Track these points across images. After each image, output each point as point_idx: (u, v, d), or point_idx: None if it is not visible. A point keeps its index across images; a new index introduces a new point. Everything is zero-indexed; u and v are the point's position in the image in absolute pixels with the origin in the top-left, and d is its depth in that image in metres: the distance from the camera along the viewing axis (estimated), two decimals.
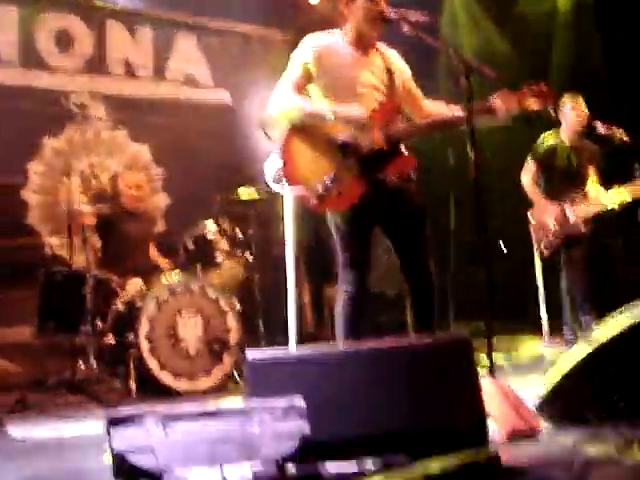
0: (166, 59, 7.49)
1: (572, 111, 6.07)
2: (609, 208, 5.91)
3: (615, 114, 6.27)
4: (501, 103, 3.55)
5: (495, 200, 6.95)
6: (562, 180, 6.12)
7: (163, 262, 6.08)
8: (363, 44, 3.82)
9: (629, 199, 5.86)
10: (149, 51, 7.40)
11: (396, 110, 3.79)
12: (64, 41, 6.89)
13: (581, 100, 6.10)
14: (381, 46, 3.91)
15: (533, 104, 3.54)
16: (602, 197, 5.97)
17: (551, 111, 3.57)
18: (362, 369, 2.48)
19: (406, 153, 3.74)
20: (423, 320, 3.74)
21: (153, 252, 6.21)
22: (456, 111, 3.70)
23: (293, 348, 4.18)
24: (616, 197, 5.91)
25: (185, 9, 7.48)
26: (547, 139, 6.22)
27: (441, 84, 3.61)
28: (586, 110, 6.09)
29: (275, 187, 4.05)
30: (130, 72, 7.26)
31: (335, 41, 3.83)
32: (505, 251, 7.30)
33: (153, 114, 7.27)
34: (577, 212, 6.00)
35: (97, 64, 7.06)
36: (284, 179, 3.72)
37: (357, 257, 3.75)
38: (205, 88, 7.70)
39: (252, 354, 2.50)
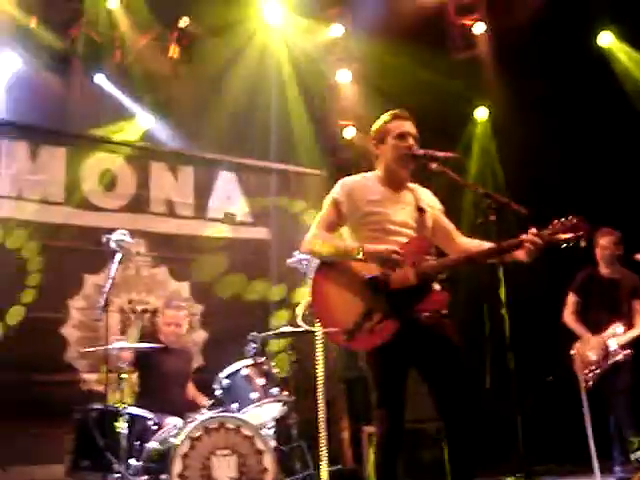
0: (207, 198, 7.70)
1: (602, 245, 6.16)
2: None
3: None
4: (532, 239, 3.52)
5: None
6: (601, 311, 6.11)
7: (201, 399, 6.03)
8: (394, 183, 3.89)
9: None
10: (190, 190, 7.62)
11: (426, 246, 3.79)
12: (108, 181, 7.14)
13: (612, 234, 6.16)
14: (413, 185, 3.97)
15: (565, 239, 3.51)
16: None
17: (583, 244, 3.51)
18: None
19: (438, 288, 3.73)
20: (460, 470, 3.60)
21: (191, 390, 6.19)
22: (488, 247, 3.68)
23: None
24: None
25: (225, 149, 7.73)
26: (585, 273, 6.26)
27: (469, 220, 3.61)
28: (618, 243, 6.14)
29: (306, 325, 4.04)
30: (171, 210, 7.46)
31: (367, 181, 3.91)
32: (551, 379, 7.16)
33: (193, 251, 7.42)
34: (618, 341, 5.95)
35: (139, 203, 7.29)
36: (314, 316, 3.71)
37: (388, 396, 3.67)
38: (244, 225, 7.86)
39: None
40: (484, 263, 3.69)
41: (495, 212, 3.34)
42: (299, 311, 4.10)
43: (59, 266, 6.54)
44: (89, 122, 7.27)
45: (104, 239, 5.48)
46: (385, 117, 3.91)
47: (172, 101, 7.75)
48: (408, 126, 3.84)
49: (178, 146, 7.68)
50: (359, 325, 3.56)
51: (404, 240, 3.75)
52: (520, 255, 3.59)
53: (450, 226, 4.00)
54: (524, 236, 3.56)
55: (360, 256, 3.62)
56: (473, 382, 3.73)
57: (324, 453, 4.03)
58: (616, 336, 6.00)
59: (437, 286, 3.75)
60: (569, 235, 3.50)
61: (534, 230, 3.56)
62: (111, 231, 5.57)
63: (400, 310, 3.61)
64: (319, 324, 3.74)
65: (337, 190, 3.87)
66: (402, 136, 3.81)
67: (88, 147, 7.15)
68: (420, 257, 3.70)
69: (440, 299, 3.71)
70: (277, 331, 5.91)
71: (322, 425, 4.09)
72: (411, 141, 3.80)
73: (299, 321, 4.09)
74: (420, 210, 3.87)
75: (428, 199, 3.99)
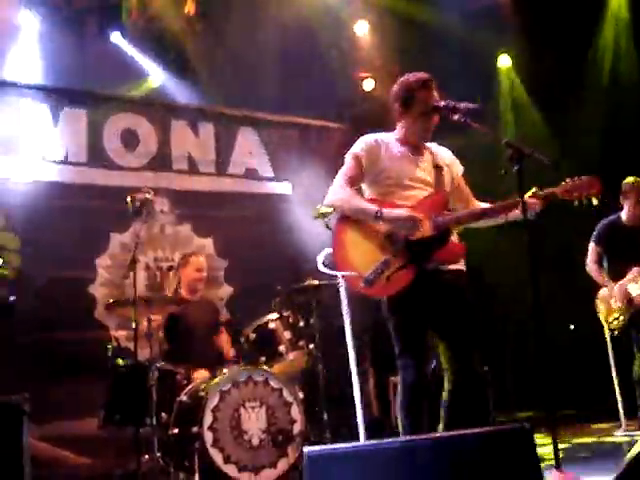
0: (228, 153, 7.72)
1: (630, 194, 6.11)
2: None
3: None
4: (534, 201, 3.63)
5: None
6: (625, 260, 6.08)
7: (229, 351, 6.10)
8: (414, 143, 3.94)
9: None
10: (211, 146, 7.65)
11: (444, 201, 3.85)
12: (130, 140, 7.19)
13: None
14: (432, 145, 4.03)
15: (576, 196, 3.58)
16: None
17: (595, 202, 3.55)
18: (420, 461, 2.44)
19: (455, 240, 3.82)
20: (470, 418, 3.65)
21: (223, 341, 6.22)
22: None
23: (362, 439, 4.12)
24: None
25: (245, 104, 7.72)
26: (607, 222, 6.25)
27: (490, 171, 3.65)
28: None
29: (327, 272, 4.10)
30: (193, 167, 7.49)
31: (387, 138, 3.97)
32: (572, 328, 7.21)
33: (216, 208, 7.47)
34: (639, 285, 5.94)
35: (161, 161, 7.34)
36: (335, 264, 3.79)
37: (411, 344, 3.75)
38: (266, 180, 7.89)
39: (310, 450, 2.48)
40: (495, 217, 3.83)
41: (517, 162, 3.35)
42: (319, 259, 4.15)
43: (85, 226, 6.60)
44: (108, 82, 7.28)
45: (128, 198, 5.53)
46: (412, 82, 3.90)
47: (190, 58, 7.71)
48: (434, 99, 3.85)
49: (197, 103, 7.67)
50: (377, 273, 3.64)
51: (420, 195, 3.81)
52: (518, 212, 3.62)
53: (466, 190, 4.08)
54: (527, 199, 3.59)
55: (379, 221, 3.70)
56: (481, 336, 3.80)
57: (358, 400, 4.09)
58: (636, 280, 6.00)
59: (455, 238, 3.83)
60: (580, 193, 3.57)
61: (533, 190, 3.65)
62: (135, 190, 5.62)
63: (417, 260, 3.69)
64: (339, 271, 3.81)
65: (358, 146, 3.94)
66: (429, 111, 3.83)
67: (108, 107, 7.17)
68: (438, 210, 3.77)
69: (457, 250, 3.81)
70: (303, 284, 5.97)
71: (354, 371, 4.15)
72: (436, 119, 3.85)
73: (320, 267, 4.14)
74: (437, 167, 3.92)
75: (448, 159, 4.05)
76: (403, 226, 3.66)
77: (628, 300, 5.98)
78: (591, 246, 6.29)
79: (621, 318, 6.01)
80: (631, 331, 6.05)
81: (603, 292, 6.16)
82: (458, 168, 4.08)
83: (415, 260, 3.68)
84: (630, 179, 6.19)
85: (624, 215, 6.24)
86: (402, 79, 3.95)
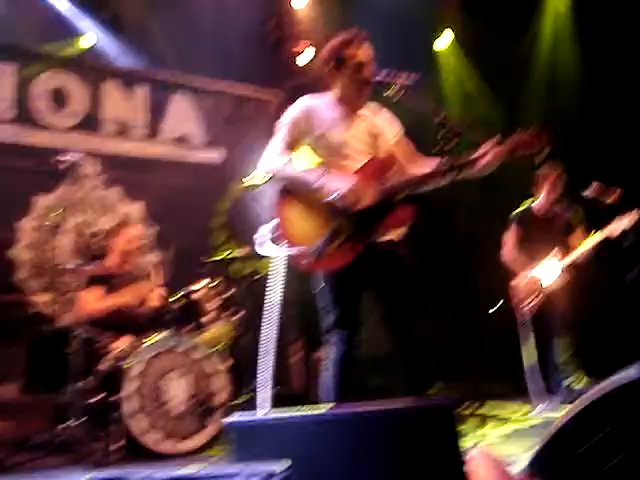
0: (160, 119, 7.58)
1: (546, 181, 6.25)
2: (581, 253, 6.02)
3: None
4: (491, 154, 3.52)
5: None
6: (537, 249, 6.24)
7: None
8: (351, 105, 3.85)
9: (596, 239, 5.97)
10: (144, 110, 7.49)
11: (389, 164, 3.75)
12: (59, 99, 6.98)
13: (556, 170, 6.25)
14: (369, 106, 3.94)
15: (525, 149, 3.52)
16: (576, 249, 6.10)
17: (545, 152, 3.55)
18: (343, 433, 2.45)
19: (402, 205, 3.68)
20: (415, 386, 3.67)
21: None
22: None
23: (267, 411, 4.05)
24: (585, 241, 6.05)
25: (180, 69, 7.58)
26: (524, 207, 6.39)
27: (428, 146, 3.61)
28: (560, 181, 6.24)
29: (267, 248, 3.97)
30: (124, 131, 7.33)
31: (323, 101, 3.86)
32: (499, 306, 7.33)
33: (146, 173, 7.31)
34: (551, 273, 6.09)
35: (92, 123, 7.15)
36: (277, 239, 3.69)
37: (346, 317, 3.71)
38: (198, 148, 7.77)
39: (233, 418, 2.46)
40: (444, 179, 3.63)
41: (450, 141, 3.33)
42: (259, 234, 4.03)
43: (9, 186, 6.39)
44: (40, 39, 7.02)
45: (55, 159, 5.37)
46: (340, 40, 3.81)
47: (126, 19, 7.51)
48: (365, 52, 3.77)
49: (132, 65, 7.49)
50: (324, 247, 3.53)
51: (359, 162, 3.73)
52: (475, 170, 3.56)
53: (409, 148, 3.95)
54: (478, 152, 3.55)
55: (317, 189, 3.58)
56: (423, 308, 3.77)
57: (265, 375, 4.04)
58: (549, 269, 6.14)
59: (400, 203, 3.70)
60: (531, 146, 3.51)
61: (490, 143, 3.55)
62: (62, 151, 5.47)
63: (363, 230, 3.59)
64: (284, 246, 3.67)
65: (294, 109, 3.82)
66: (360, 66, 3.75)
67: (39, 64, 6.94)
68: (382, 175, 3.68)
69: (405, 214, 3.66)
70: (236, 254, 5.93)
71: (268, 347, 4.08)
72: (369, 69, 3.75)
73: (257, 249, 4.01)
74: (374, 135, 3.86)
75: (386, 120, 3.96)
76: (342, 200, 3.55)
77: (538, 288, 6.12)
78: (506, 235, 6.42)
79: (533, 304, 6.15)
80: (542, 319, 6.21)
81: (517, 280, 6.28)
82: (395, 130, 3.96)
83: (361, 231, 3.58)
84: (543, 169, 6.31)
85: (536, 205, 6.40)
86: (330, 41, 3.85)
